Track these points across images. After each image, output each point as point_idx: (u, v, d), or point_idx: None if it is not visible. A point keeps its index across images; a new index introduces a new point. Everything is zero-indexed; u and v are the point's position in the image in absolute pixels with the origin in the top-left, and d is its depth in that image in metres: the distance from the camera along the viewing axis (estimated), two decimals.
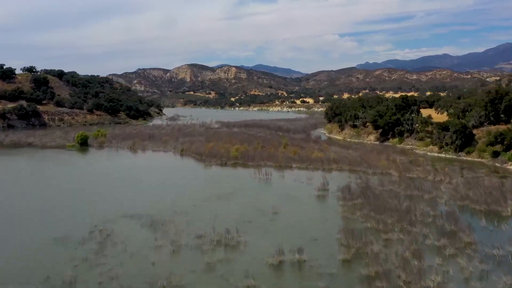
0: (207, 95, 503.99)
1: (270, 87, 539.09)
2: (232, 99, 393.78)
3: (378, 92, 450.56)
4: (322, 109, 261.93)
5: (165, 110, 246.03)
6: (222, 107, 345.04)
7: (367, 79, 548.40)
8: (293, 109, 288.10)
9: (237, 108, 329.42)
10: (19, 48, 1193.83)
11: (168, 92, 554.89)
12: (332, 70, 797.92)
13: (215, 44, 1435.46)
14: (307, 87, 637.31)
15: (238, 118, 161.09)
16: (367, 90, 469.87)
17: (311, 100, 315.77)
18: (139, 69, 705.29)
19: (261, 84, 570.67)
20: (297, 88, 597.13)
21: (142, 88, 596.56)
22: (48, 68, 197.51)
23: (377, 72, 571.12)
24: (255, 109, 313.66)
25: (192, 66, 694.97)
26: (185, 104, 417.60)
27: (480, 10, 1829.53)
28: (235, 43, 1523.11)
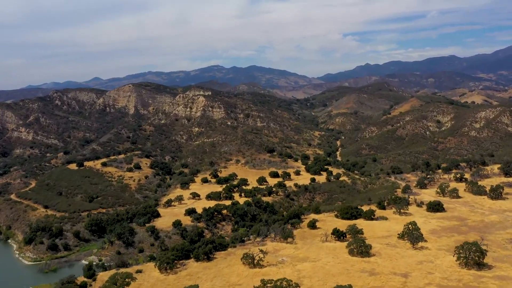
0: (130, 174, 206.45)
1: (271, 151, 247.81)
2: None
3: None
4: None
5: None
6: None
7: None
8: None
9: None
10: (21, 46, 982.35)
11: (71, 148, 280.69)
12: (365, 89, 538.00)
13: (217, 43, 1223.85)
14: (332, 127, 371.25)
15: None
16: None
17: None
18: (56, 92, 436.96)
19: (252, 133, 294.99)
20: (318, 136, 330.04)
21: (30, 137, 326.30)
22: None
23: None
24: None
25: (140, 87, 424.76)
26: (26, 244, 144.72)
27: (489, 10, 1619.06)
28: (238, 43, 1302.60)
